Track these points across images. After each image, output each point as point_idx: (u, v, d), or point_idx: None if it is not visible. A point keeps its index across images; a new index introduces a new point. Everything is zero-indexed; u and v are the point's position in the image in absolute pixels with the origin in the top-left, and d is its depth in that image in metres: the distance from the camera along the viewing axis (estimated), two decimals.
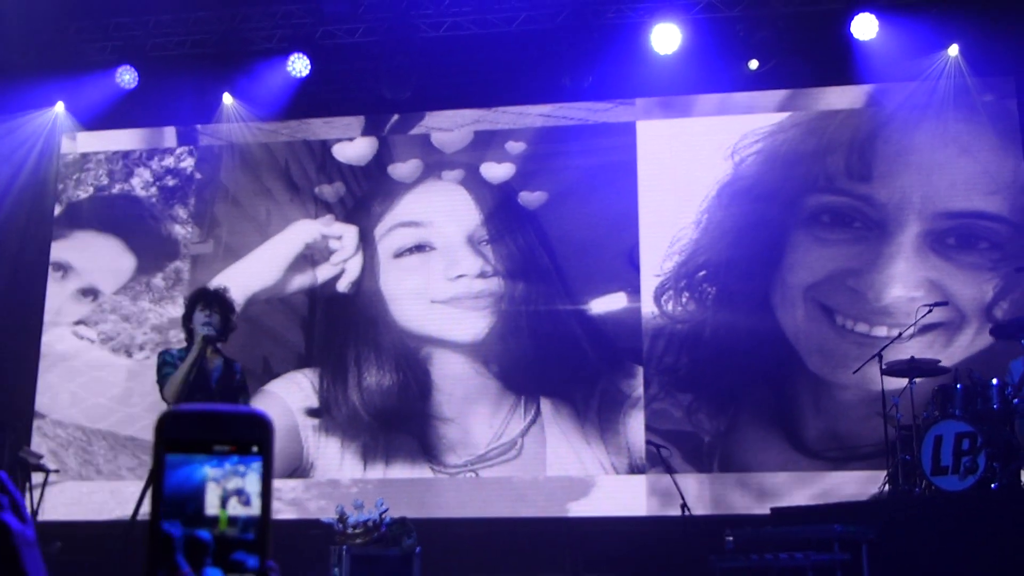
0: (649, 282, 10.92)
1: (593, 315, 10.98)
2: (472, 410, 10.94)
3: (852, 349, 10.13)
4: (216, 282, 8.79)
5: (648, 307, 10.87)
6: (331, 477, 10.95)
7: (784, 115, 11.09)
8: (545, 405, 10.82)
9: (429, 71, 11.36)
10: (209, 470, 1.21)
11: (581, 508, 10.60)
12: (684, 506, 9.11)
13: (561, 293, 11.06)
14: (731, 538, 8.13)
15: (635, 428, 10.61)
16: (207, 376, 6.25)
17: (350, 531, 8.32)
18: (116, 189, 12.09)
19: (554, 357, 10.92)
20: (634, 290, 10.92)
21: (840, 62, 10.81)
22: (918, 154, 10.71)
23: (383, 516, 8.42)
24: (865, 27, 10.43)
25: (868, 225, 10.66)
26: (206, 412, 1.24)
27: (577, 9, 10.89)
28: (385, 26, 11.15)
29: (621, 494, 10.53)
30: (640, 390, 10.70)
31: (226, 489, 1.22)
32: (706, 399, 10.61)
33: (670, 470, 9.28)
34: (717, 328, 10.75)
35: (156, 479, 1.21)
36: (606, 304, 10.98)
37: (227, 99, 11.75)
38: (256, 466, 1.23)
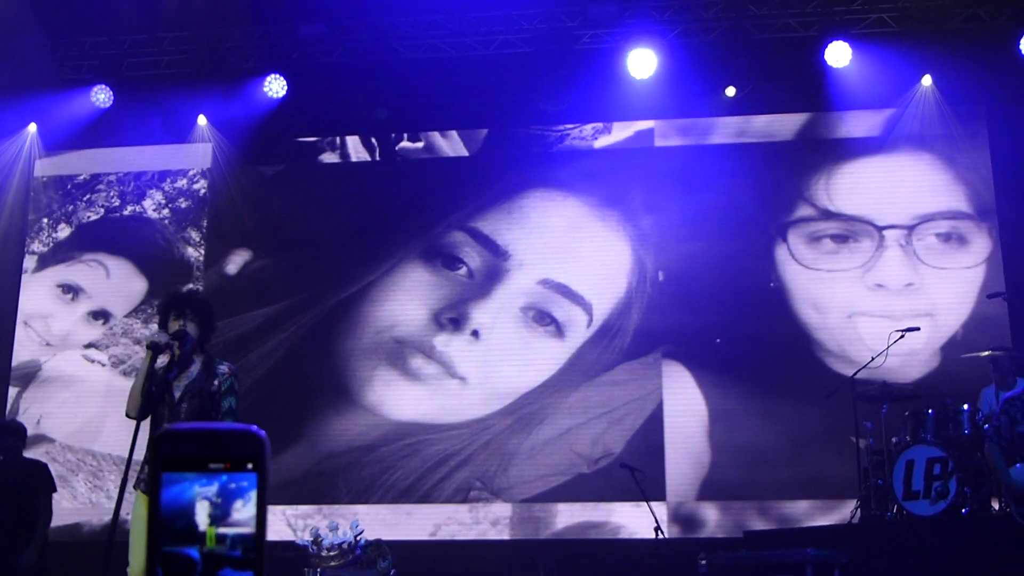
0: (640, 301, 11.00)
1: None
2: (466, 435, 10.96)
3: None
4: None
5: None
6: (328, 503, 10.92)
7: (769, 141, 11.20)
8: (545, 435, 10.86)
9: (406, 93, 11.40)
10: (199, 488, 1.23)
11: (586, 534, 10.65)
12: (657, 529, 9.12)
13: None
14: (704, 562, 8.15)
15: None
16: (166, 390, 6.06)
17: (325, 553, 8.30)
18: (128, 211, 11.98)
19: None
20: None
21: (815, 88, 10.93)
22: (902, 182, 10.85)
23: (358, 538, 8.40)
24: (838, 55, 10.53)
25: (858, 250, 10.80)
26: (200, 430, 1.25)
27: (554, 34, 10.95)
28: (362, 48, 11.18)
29: (629, 520, 10.51)
30: None
31: (216, 506, 1.23)
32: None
33: (643, 493, 9.28)
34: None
35: (153, 497, 1.22)
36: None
37: (201, 120, 11.75)
38: (251, 483, 1.24)
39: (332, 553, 8.27)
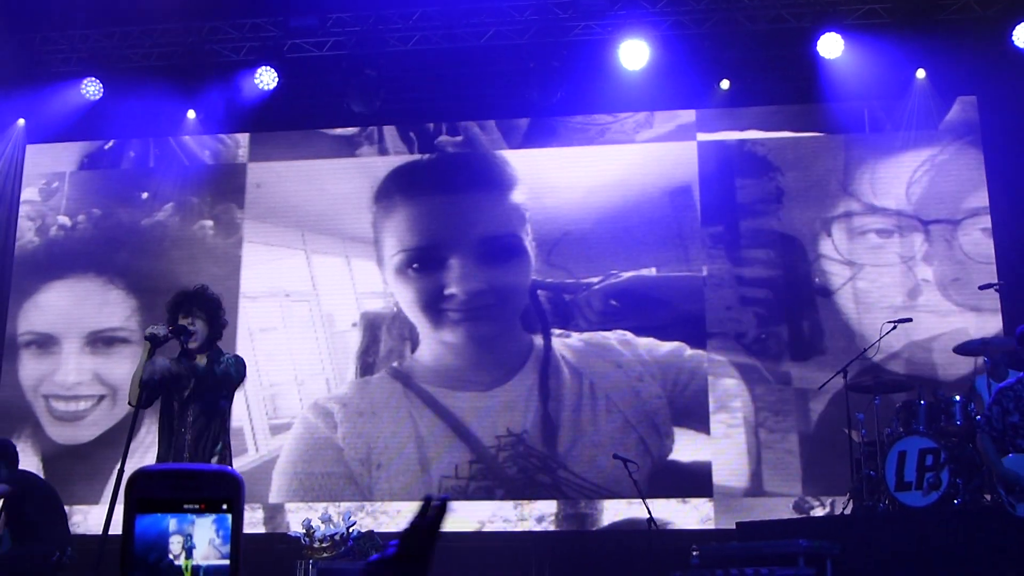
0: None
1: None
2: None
3: None
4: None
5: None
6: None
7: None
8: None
9: (397, 85, 11.37)
10: (174, 522, 1.23)
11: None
12: (651, 521, 9.11)
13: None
14: (697, 553, 8.14)
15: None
16: (179, 381, 6.11)
17: (317, 545, 8.29)
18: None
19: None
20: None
21: (807, 80, 10.91)
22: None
23: (350, 530, 8.40)
24: (831, 46, 10.51)
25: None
26: (176, 471, 1.27)
27: (545, 25, 10.93)
28: (353, 40, 11.15)
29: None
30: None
31: (191, 541, 1.23)
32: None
33: (637, 485, 9.28)
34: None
35: (125, 538, 1.22)
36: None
37: (191, 115, 11.69)
38: (225, 523, 1.25)
39: (324, 545, 8.27)
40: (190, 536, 1.23)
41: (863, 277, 10.77)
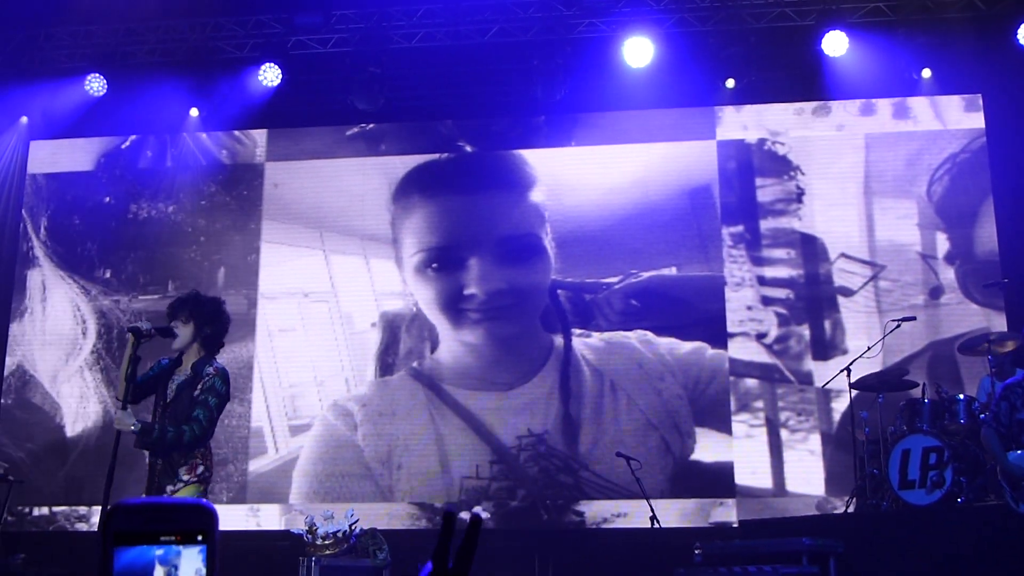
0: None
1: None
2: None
3: None
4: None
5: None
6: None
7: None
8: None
9: (401, 82, 11.36)
10: (160, 552, 1.30)
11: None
12: (653, 518, 9.11)
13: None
14: (699, 551, 8.13)
15: None
16: (164, 385, 6.01)
17: (319, 542, 8.29)
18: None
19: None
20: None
21: (812, 78, 10.90)
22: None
23: (353, 527, 8.40)
24: (836, 44, 10.49)
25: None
26: (151, 505, 1.32)
27: (549, 23, 10.92)
28: (357, 37, 11.15)
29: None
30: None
31: (177, 572, 1.30)
32: None
33: (640, 483, 9.27)
34: None
35: (105, 571, 1.27)
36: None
37: (193, 112, 11.70)
38: (201, 554, 1.32)
39: (327, 542, 8.27)
40: (175, 567, 1.30)
41: (885, 276, 10.75)
